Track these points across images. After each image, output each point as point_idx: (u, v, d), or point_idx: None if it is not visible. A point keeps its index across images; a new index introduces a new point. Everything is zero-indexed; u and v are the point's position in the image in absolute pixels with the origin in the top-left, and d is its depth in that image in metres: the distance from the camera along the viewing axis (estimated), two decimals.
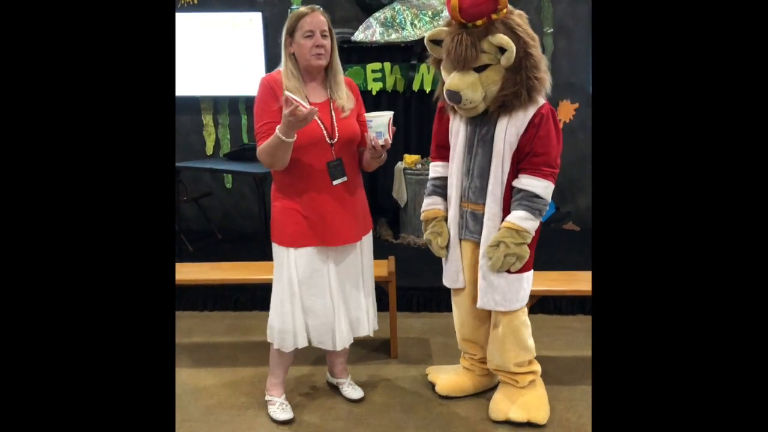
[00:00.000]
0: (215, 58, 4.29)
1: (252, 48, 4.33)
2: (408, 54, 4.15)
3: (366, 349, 2.89)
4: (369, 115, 2.03)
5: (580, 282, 2.70)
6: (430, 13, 3.93)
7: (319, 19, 2.01)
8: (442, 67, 2.15)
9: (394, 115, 2.09)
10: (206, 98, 4.51)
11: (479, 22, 2.00)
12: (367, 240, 2.29)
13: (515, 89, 2.02)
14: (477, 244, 2.20)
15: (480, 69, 2.03)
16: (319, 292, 2.14)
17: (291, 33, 2.03)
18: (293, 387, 2.54)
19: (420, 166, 4.08)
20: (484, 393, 2.46)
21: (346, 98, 2.13)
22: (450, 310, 3.31)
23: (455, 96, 2.05)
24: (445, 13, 4.01)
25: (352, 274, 2.22)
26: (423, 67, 4.14)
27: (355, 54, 4.19)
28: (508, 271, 2.13)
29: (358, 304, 2.24)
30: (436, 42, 2.13)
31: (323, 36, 2.02)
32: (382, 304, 3.25)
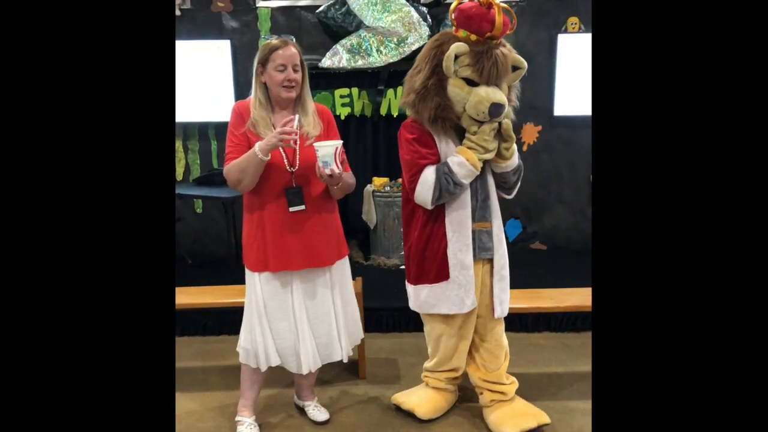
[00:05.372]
0: (185, 84, 4.32)
1: (221, 75, 4.38)
2: (375, 79, 4.23)
3: (334, 370, 2.90)
4: (317, 144, 2.00)
5: (545, 299, 2.77)
6: (395, 39, 4.02)
7: (291, 52, 2.04)
8: (452, 84, 2.08)
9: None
10: (176, 124, 4.52)
11: (497, 41, 2.08)
12: (340, 266, 2.27)
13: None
14: (488, 261, 2.28)
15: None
16: (282, 315, 2.16)
17: (263, 63, 2.07)
18: (261, 409, 2.53)
19: (388, 188, 4.14)
20: (451, 410, 2.50)
21: (312, 126, 2.13)
22: (419, 330, 3.36)
23: (500, 109, 2.08)
24: (412, 39, 4.11)
25: (319, 299, 2.20)
26: (390, 92, 4.22)
27: (323, 80, 4.26)
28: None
29: (327, 330, 2.22)
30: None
31: (295, 70, 2.05)
32: None
